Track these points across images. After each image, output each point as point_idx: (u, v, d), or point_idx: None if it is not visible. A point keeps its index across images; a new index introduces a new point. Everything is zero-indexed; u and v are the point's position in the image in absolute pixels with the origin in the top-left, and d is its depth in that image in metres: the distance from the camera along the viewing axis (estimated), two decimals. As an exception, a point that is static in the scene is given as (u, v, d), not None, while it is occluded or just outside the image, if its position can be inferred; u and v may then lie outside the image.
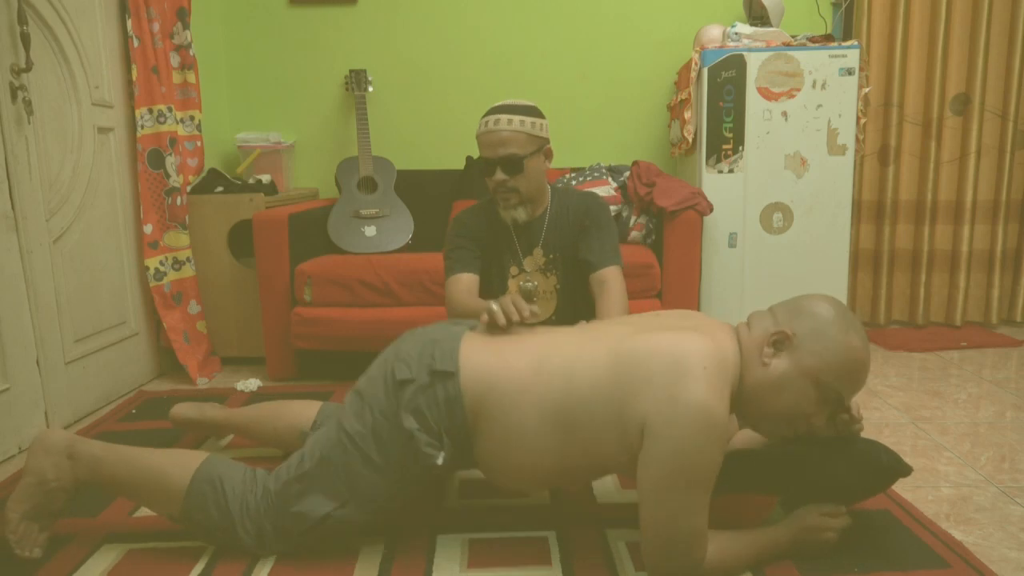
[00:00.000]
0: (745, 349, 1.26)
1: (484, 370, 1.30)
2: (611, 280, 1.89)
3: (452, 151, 3.33)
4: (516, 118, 1.82)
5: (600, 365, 1.24)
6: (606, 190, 2.79)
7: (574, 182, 2.86)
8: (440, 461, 1.29)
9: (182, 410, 1.90)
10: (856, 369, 1.22)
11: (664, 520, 1.17)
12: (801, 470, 1.35)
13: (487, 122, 1.84)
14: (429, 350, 1.33)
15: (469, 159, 3.14)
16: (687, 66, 2.81)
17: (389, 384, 1.33)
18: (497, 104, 1.87)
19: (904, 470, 1.35)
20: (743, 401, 1.26)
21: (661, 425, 1.14)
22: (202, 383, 2.56)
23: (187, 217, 2.65)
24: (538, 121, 1.85)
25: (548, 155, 1.92)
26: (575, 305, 1.98)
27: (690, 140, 2.78)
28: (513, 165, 1.83)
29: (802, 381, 1.22)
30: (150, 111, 2.54)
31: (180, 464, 1.37)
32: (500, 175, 1.84)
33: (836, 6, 3.19)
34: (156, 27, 2.54)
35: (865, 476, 1.34)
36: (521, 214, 1.92)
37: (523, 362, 1.30)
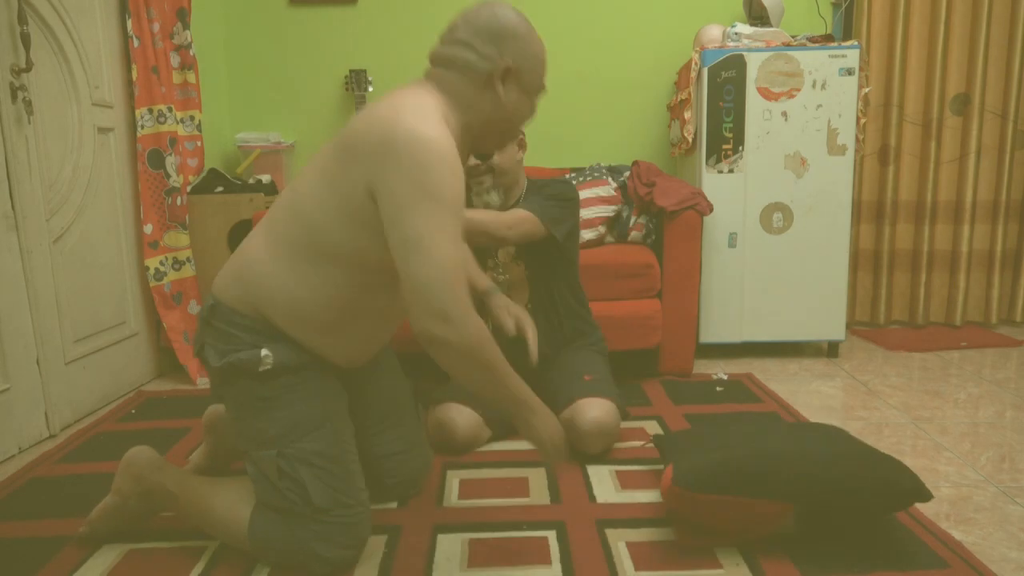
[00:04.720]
0: (457, 94, 1.28)
1: (232, 272, 1.34)
2: (513, 210, 1.90)
3: (452, 151, 3.32)
4: None
5: (315, 170, 1.28)
6: (606, 190, 2.79)
7: (574, 182, 2.86)
8: (265, 352, 1.29)
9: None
10: (545, 59, 1.36)
11: (414, 244, 1.12)
12: (820, 482, 1.33)
13: None
14: (200, 315, 1.39)
15: (469, 159, 3.15)
16: (687, 66, 2.81)
17: (210, 376, 1.38)
18: None
19: (924, 495, 1.33)
20: (476, 137, 1.35)
21: (384, 162, 1.15)
22: (202, 383, 2.56)
23: (187, 217, 2.65)
24: None
25: (521, 145, 1.98)
26: (549, 289, 2.02)
27: (690, 140, 2.77)
28: None
29: (525, 96, 1.34)
30: (150, 111, 2.54)
31: (235, 518, 1.35)
32: (471, 160, 1.87)
33: (836, 6, 3.19)
34: (156, 27, 2.54)
35: (885, 497, 1.33)
36: (494, 198, 1.94)
37: (259, 237, 1.34)
